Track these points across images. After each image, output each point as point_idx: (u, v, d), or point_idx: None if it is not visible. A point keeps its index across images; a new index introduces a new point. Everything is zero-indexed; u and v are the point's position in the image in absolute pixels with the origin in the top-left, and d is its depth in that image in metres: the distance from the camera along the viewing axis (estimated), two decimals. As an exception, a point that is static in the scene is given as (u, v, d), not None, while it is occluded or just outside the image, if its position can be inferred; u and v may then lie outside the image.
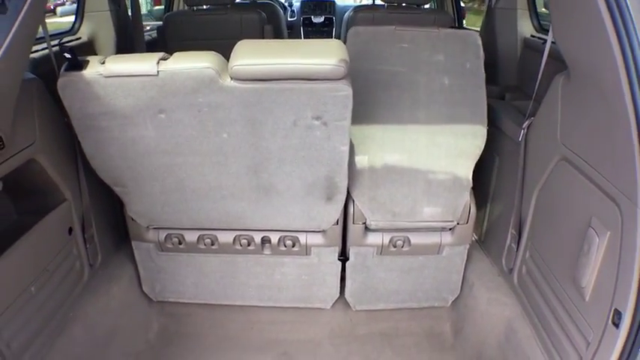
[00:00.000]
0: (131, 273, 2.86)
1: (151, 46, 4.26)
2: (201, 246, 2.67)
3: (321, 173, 2.26)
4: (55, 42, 3.09)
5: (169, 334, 2.86)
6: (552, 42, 2.20)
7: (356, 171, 2.54)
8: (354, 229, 2.66)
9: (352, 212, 2.59)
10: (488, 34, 3.43)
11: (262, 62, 1.88)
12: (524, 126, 2.46)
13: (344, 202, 2.46)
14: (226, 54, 1.97)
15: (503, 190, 2.82)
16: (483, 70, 2.60)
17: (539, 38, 3.16)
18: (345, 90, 1.94)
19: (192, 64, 1.90)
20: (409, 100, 2.60)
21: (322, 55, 1.89)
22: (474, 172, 2.60)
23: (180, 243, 2.68)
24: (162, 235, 2.66)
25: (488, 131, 2.59)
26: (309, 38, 6.06)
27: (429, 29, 2.66)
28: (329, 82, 1.93)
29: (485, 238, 3.07)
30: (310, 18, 6.44)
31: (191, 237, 2.66)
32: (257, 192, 2.35)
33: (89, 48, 3.47)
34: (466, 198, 2.57)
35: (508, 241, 2.65)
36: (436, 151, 2.56)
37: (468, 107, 2.59)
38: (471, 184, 2.56)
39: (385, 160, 2.56)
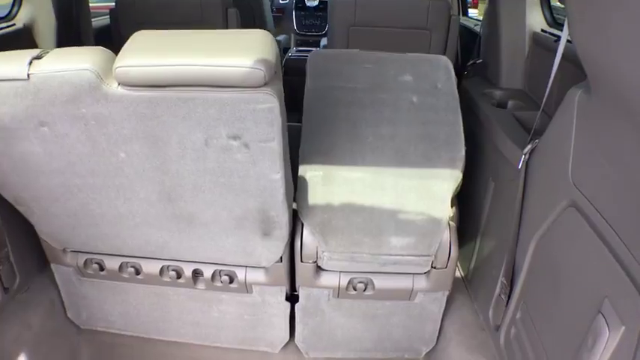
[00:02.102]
0: (55, 297, 2.40)
1: (103, 34, 3.68)
2: (125, 275, 2.20)
3: (251, 205, 1.77)
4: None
5: None
6: (568, 40, 1.66)
7: (307, 189, 2.07)
8: (303, 269, 2.12)
9: (299, 249, 2.06)
10: (490, 25, 2.77)
11: (155, 63, 1.41)
12: (525, 151, 1.87)
13: (287, 238, 1.94)
14: None
15: (498, 223, 2.24)
16: (457, 92, 2.23)
17: (551, 34, 2.49)
18: (268, 102, 1.45)
19: (68, 64, 1.45)
20: (372, 118, 2.20)
21: (235, 54, 1.40)
22: (464, 195, 2.18)
23: (101, 269, 2.20)
24: (81, 259, 2.20)
25: (483, 149, 2.30)
26: (303, 24, 5.52)
27: (396, 54, 2.38)
28: (246, 91, 1.44)
29: (472, 277, 2.46)
30: (304, 1, 5.80)
31: (112, 264, 2.18)
32: (176, 222, 1.88)
33: (26, 37, 2.88)
34: (444, 234, 2.03)
35: (497, 291, 2.09)
36: (405, 173, 2.10)
37: (441, 128, 2.15)
38: (449, 214, 2.03)
39: (344, 178, 2.09)
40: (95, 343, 2.48)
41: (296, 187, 2.03)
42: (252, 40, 1.48)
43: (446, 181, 2.06)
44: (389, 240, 2.01)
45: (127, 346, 2.47)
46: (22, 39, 2.76)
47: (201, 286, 2.20)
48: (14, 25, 2.86)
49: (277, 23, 5.49)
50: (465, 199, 2.31)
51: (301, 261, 2.08)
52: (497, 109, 2.41)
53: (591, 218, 1.44)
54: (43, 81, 1.45)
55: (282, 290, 2.19)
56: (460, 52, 3.46)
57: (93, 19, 3.43)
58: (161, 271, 2.15)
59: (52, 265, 2.29)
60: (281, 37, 5.00)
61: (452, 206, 2.08)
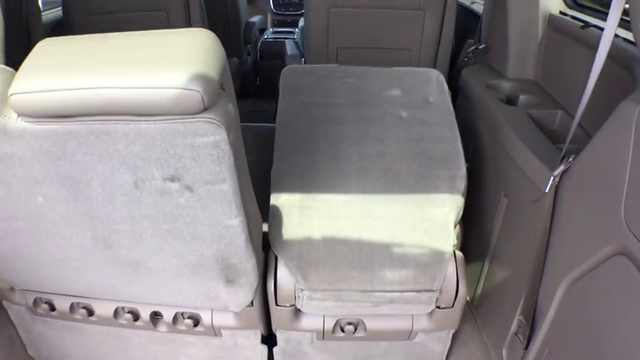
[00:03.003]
0: (14, 334, 2.12)
1: (57, 28, 3.14)
2: (77, 316, 1.86)
3: (206, 253, 1.39)
4: None
5: None
6: (617, 35, 1.34)
7: (281, 217, 1.72)
8: (279, 313, 1.74)
9: (273, 290, 1.69)
10: (496, 5, 2.35)
11: (56, 86, 1.03)
12: (556, 173, 1.47)
13: (257, 282, 1.56)
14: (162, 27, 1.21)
15: (514, 248, 1.86)
16: (452, 106, 1.96)
17: (574, 18, 2.08)
18: (211, 133, 1.07)
19: None
20: (355, 135, 1.90)
21: (160, 69, 1.02)
22: (469, 209, 1.84)
23: (52, 309, 1.88)
24: (30, 298, 1.88)
25: (493, 156, 1.99)
26: (280, 3, 4.98)
27: (381, 68, 2.13)
28: (178, 119, 1.05)
29: (480, 304, 2.09)
30: None
31: (62, 304, 1.85)
32: (121, 268, 1.51)
33: None
34: (449, 266, 1.67)
35: (513, 329, 1.74)
36: (397, 196, 1.77)
37: (436, 144, 1.86)
38: (453, 241, 1.68)
39: (325, 202, 1.74)
40: None
41: (267, 214, 1.68)
42: (187, 47, 1.07)
43: (446, 203, 1.71)
44: (382, 273, 1.63)
45: None
46: None
47: (162, 328, 1.85)
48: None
49: (252, 2, 5.02)
50: (470, 214, 1.94)
51: (276, 304, 1.71)
52: (508, 108, 1.99)
53: None
54: None
55: (257, 333, 1.83)
56: (456, 35, 3.04)
57: (52, 10, 3.03)
58: (115, 313, 1.81)
59: (4, 303, 1.99)
60: (256, 19, 4.56)
61: (456, 225, 1.71)
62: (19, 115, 1.10)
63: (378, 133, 1.90)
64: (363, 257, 1.63)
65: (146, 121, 1.05)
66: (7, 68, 1.15)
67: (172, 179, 1.15)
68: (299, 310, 1.71)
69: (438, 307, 1.69)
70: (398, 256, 1.64)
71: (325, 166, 1.81)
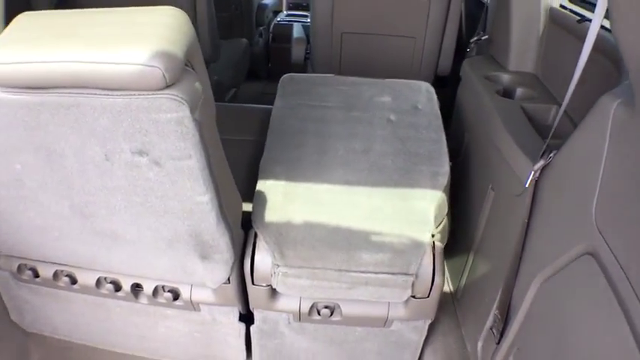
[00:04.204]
0: None
1: (62, 2, 3.19)
2: (60, 284, 1.89)
3: (179, 228, 1.41)
4: None
5: None
6: (603, 27, 1.33)
7: (265, 201, 1.75)
8: (256, 292, 1.76)
9: (249, 269, 1.71)
10: (499, -3, 2.31)
11: (28, 59, 1.08)
12: (536, 167, 1.44)
13: (232, 260, 1.57)
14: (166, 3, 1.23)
15: (495, 243, 1.84)
16: (439, 113, 2.02)
17: (572, 12, 2.03)
18: (174, 110, 1.09)
19: None
20: (344, 133, 1.98)
21: (124, 45, 1.05)
22: (459, 201, 1.99)
23: (36, 276, 1.92)
24: (15, 264, 1.92)
25: (483, 149, 1.97)
26: None
27: (373, 79, 2.19)
28: (142, 95, 1.08)
29: (462, 297, 2.07)
30: None
31: (46, 271, 1.88)
32: (99, 238, 1.54)
33: None
34: (426, 255, 1.66)
35: (489, 323, 1.72)
36: (380, 187, 1.79)
37: (422, 144, 1.90)
38: (432, 230, 1.68)
39: (308, 190, 1.78)
40: (44, 347, 2.24)
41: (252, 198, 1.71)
42: (153, 25, 1.08)
43: (427, 197, 1.72)
44: (359, 255, 1.65)
45: (74, 351, 2.22)
46: None
47: (143, 300, 1.88)
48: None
49: None
50: (460, 206, 1.96)
51: (253, 283, 1.73)
52: (502, 99, 1.97)
53: (612, 277, 1.07)
54: None
55: (235, 311, 1.84)
56: (464, 25, 3.00)
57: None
58: (98, 283, 1.84)
59: None
60: (269, 1, 4.54)
61: (443, 219, 1.72)
62: None
63: (365, 132, 1.96)
64: (341, 238, 1.65)
65: (112, 95, 1.07)
66: None
67: (141, 153, 1.17)
68: (275, 290, 1.73)
69: (414, 297, 1.69)
70: (376, 241, 1.65)
71: (312, 158, 1.86)
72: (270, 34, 4.50)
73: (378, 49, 2.73)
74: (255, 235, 1.70)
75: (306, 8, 4.64)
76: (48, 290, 1.98)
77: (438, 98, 2.07)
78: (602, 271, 1.11)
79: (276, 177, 1.80)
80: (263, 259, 1.69)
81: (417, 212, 1.69)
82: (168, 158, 1.17)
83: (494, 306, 1.68)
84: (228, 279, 1.68)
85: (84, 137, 1.17)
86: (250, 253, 1.69)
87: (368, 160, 1.85)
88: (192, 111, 1.09)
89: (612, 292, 1.06)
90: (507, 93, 2.09)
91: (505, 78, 2.18)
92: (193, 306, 1.83)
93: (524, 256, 1.53)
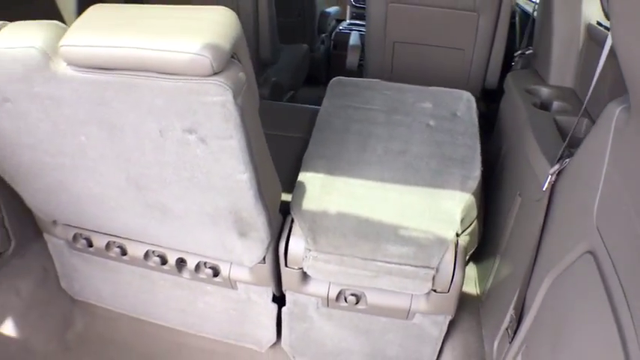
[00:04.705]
0: (49, 266, 2.31)
1: None
2: (112, 254, 2.06)
3: (221, 204, 1.56)
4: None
5: (91, 336, 2.36)
6: None
7: (304, 190, 1.89)
8: (288, 274, 1.88)
9: (284, 252, 1.83)
10: (545, 13, 2.37)
11: (97, 43, 1.25)
12: (552, 171, 1.52)
13: (268, 240, 1.71)
14: (230, 7, 1.38)
15: (518, 247, 1.91)
16: (477, 121, 2.13)
17: (607, 29, 2.05)
18: (219, 94, 1.23)
19: (17, 41, 1.32)
20: (384, 134, 2.10)
21: (179, 37, 1.21)
22: (490, 208, 2.08)
23: (90, 245, 2.08)
24: (71, 233, 2.08)
25: (516, 157, 2.02)
26: (358, 4, 5.06)
27: (417, 86, 2.32)
28: (193, 80, 1.23)
29: (486, 300, 2.13)
30: None
31: (99, 241, 2.05)
32: (150, 210, 1.70)
33: (47, 1, 2.65)
34: (449, 251, 1.74)
35: (505, 323, 1.78)
36: (413, 186, 1.90)
37: (456, 149, 2.01)
38: (457, 229, 1.77)
39: (345, 184, 1.91)
40: (89, 315, 2.38)
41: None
42: (205, 20, 1.24)
43: (456, 197, 1.81)
44: (385, 246, 1.75)
45: (117, 322, 2.36)
46: (42, 3, 2.59)
47: (186, 275, 2.03)
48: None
49: None
50: (492, 212, 2.03)
51: (286, 265, 1.85)
52: (537, 111, 2.03)
53: (606, 274, 1.13)
54: None
55: (269, 291, 1.97)
56: (519, 39, 3.06)
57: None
58: (146, 255, 2.00)
59: (45, 235, 2.20)
60: (332, 9, 4.68)
61: (472, 222, 1.81)
62: (67, 64, 1.30)
63: (404, 134, 2.08)
64: (371, 230, 1.76)
65: (168, 79, 1.22)
66: (60, 24, 1.35)
67: (190, 131, 1.31)
68: (306, 274, 1.84)
69: (435, 291, 1.77)
70: (402, 234, 1.74)
71: (351, 155, 1.98)
72: (332, 42, 4.63)
73: (428, 59, 2.82)
74: (292, 222, 1.82)
75: None
76: (99, 260, 2.14)
77: (488, 112, 2.15)
78: (598, 269, 1.16)
79: (316, 170, 1.92)
80: (297, 243, 1.80)
81: (444, 211, 1.78)
82: (213, 137, 1.31)
83: (511, 307, 1.73)
84: (264, 259, 1.81)
85: (142, 114, 1.33)
86: (286, 237, 1.81)
87: (404, 161, 1.95)
88: (234, 96, 1.22)
89: (604, 289, 1.11)
90: (544, 106, 2.15)
91: (544, 91, 2.23)
92: (231, 283, 1.96)
93: (538, 257, 1.59)
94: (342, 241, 1.76)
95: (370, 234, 1.75)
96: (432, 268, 1.73)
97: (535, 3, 3.25)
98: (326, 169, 1.93)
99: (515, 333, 1.67)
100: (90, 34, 1.25)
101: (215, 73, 1.20)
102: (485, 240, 2.05)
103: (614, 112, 1.21)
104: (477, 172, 1.89)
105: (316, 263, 1.79)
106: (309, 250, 1.78)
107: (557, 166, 1.50)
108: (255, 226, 1.61)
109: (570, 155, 1.48)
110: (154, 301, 2.20)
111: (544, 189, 1.53)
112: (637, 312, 0.99)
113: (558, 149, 1.68)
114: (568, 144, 1.57)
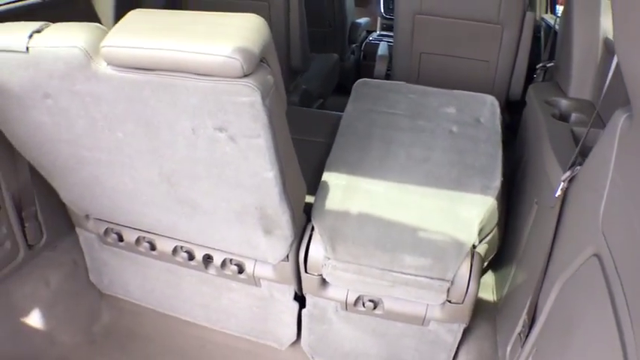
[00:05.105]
0: (79, 259, 2.40)
1: (170, 3, 3.47)
2: (141, 249, 2.14)
3: (248, 200, 1.64)
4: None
5: (117, 329, 2.43)
6: None
7: (326, 195, 1.95)
8: (308, 279, 1.95)
9: (304, 259, 1.90)
10: (566, 27, 2.41)
11: (137, 44, 1.34)
12: (564, 177, 1.56)
13: (291, 238, 1.79)
14: (263, 16, 1.45)
15: (533, 253, 1.94)
16: (500, 128, 2.16)
17: None
18: (249, 95, 1.31)
19: (60, 41, 1.40)
20: (407, 140, 2.14)
21: (212, 40, 1.29)
22: (509, 216, 2.08)
23: (120, 240, 2.17)
24: (102, 227, 2.17)
25: (534, 166, 2.02)
26: (390, 8, 4.96)
27: (442, 90, 2.36)
28: (225, 81, 1.31)
29: (502, 307, 2.17)
30: None
31: (130, 236, 2.14)
32: (181, 206, 1.79)
33: (84, 4, 2.70)
34: (465, 262, 1.79)
35: (518, 328, 1.81)
36: (433, 195, 1.93)
37: (478, 157, 2.04)
38: (474, 240, 1.81)
39: (366, 190, 1.95)
40: (116, 309, 2.45)
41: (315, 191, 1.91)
42: (236, 26, 1.32)
43: (475, 206, 1.85)
44: (402, 257, 1.79)
45: (143, 316, 2.43)
46: (79, 6, 2.68)
47: (212, 271, 2.10)
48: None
49: (363, 4, 5.21)
50: (511, 220, 2.06)
51: (306, 271, 1.92)
52: (556, 122, 2.08)
53: (610, 277, 1.17)
54: (41, 55, 1.41)
55: (291, 290, 2.04)
56: (542, 51, 3.11)
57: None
58: (174, 251, 2.08)
59: (77, 229, 2.28)
60: (362, 20, 4.74)
61: (492, 231, 1.85)
62: (107, 64, 1.38)
63: (427, 141, 2.10)
64: (389, 240, 1.80)
65: (202, 79, 1.31)
66: (101, 26, 1.44)
67: (221, 129, 1.40)
68: (325, 280, 1.90)
69: (449, 302, 1.82)
70: (420, 244, 1.79)
71: (374, 161, 2.02)
72: (362, 52, 4.70)
73: (453, 70, 2.87)
74: (312, 229, 1.88)
75: None
76: (128, 254, 2.22)
77: (512, 123, 2.19)
78: (603, 272, 1.20)
79: (338, 176, 1.98)
80: (316, 250, 1.86)
81: (462, 222, 1.82)
82: (241, 136, 1.39)
83: (524, 312, 1.75)
84: (287, 257, 1.88)
85: (177, 112, 1.41)
86: (306, 243, 1.87)
87: (425, 168, 1.99)
88: (262, 98, 1.30)
89: (608, 292, 1.15)
90: (563, 117, 2.18)
91: (563, 103, 2.26)
92: (255, 281, 2.03)
93: (550, 262, 1.62)
94: (361, 251, 1.81)
95: (388, 244, 1.80)
96: (447, 281, 1.77)
97: (558, 17, 3.31)
98: (347, 175, 1.98)
99: (527, 337, 1.70)
100: (130, 37, 1.33)
101: (245, 75, 1.28)
102: (504, 247, 2.08)
103: (620, 119, 1.26)
104: (497, 182, 1.93)
105: (335, 271, 1.85)
106: (328, 259, 1.84)
107: (568, 173, 1.54)
108: (279, 224, 1.68)
109: (581, 163, 1.52)
110: (180, 296, 2.27)
111: (556, 195, 1.58)
112: (636, 314, 1.02)
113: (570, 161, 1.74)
114: (580, 153, 1.62)
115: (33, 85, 1.50)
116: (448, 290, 1.79)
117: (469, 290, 1.79)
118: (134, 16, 1.42)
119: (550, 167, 1.80)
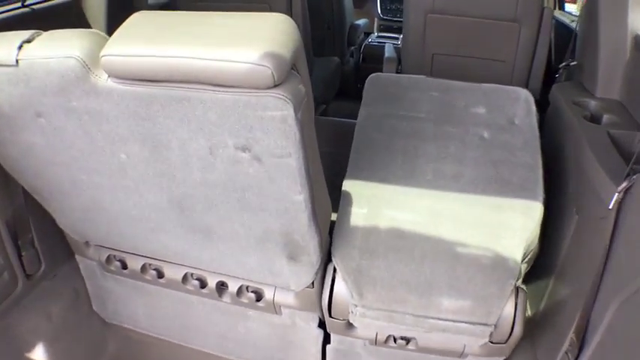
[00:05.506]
0: (80, 288, 2.25)
1: (162, 9, 3.30)
2: (147, 277, 1.98)
3: (272, 226, 1.48)
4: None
5: None
6: None
7: (346, 226, 1.75)
8: (332, 322, 1.81)
9: (327, 302, 1.74)
10: (588, 22, 2.30)
11: (143, 52, 1.16)
12: (620, 188, 1.44)
13: (318, 264, 1.62)
14: None
15: (577, 267, 1.82)
16: (537, 129, 1.95)
17: None
18: (280, 108, 1.14)
19: (54, 50, 1.24)
20: (434, 153, 1.91)
21: (236, 45, 1.12)
22: (543, 226, 1.80)
23: (124, 267, 2.01)
24: (104, 254, 2.01)
25: (569, 172, 1.89)
26: (387, 9, 4.94)
27: (469, 83, 2.12)
28: (251, 92, 1.14)
29: (540, 320, 2.04)
30: None
31: (135, 264, 1.98)
32: (193, 232, 1.62)
33: (75, 11, 2.60)
34: (508, 296, 1.64)
35: (565, 347, 1.68)
36: (469, 212, 1.74)
37: (515, 170, 1.83)
38: (518, 275, 1.65)
39: (392, 219, 1.74)
40: (121, 339, 2.33)
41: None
42: (263, 28, 1.16)
43: (517, 236, 1.68)
44: (439, 301, 1.64)
45: (152, 346, 2.30)
46: (70, 13, 2.55)
47: (226, 299, 1.94)
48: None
49: (360, 5, 5.06)
50: (544, 230, 1.91)
51: (330, 316, 1.76)
52: (590, 125, 1.95)
53: None
54: (32, 68, 1.25)
55: (315, 317, 1.88)
56: (554, 50, 3.00)
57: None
58: (184, 278, 1.92)
59: (77, 257, 2.13)
60: (361, 22, 4.62)
61: (525, 257, 1.70)
62: (108, 76, 1.21)
63: (457, 152, 1.90)
64: (422, 281, 1.64)
65: (222, 91, 1.14)
66: (101, 33, 1.28)
67: (243, 149, 1.23)
68: (351, 324, 1.76)
69: (491, 342, 1.68)
70: (457, 284, 1.64)
71: (398, 182, 1.82)
72: (361, 55, 4.56)
73: (468, 71, 2.75)
74: (334, 270, 1.72)
75: (396, 31, 4.69)
76: (134, 283, 2.07)
77: None
78: None
79: (358, 204, 1.79)
80: (341, 295, 1.71)
81: (503, 254, 1.65)
82: (269, 155, 1.23)
83: (572, 329, 1.65)
84: (312, 283, 1.72)
85: (191, 130, 1.25)
86: (329, 287, 1.72)
87: (457, 188, 1.79)
88: (295, 110, 1.14)
89: None
90: (594, 119, 2.07)
91: (592, 104, 2.15)
92: (275, 308, 1.87)
93: (605, 278, 1.51)
94: (391, 295, 1.66)
95: (421, 285, 1.64)
96: (490, 325, 1.63)
97: (571, 15, 3.21)
98: (369, 201, 1.78)
99: (577, 358, 1.60)
100: (135, 43, 1.17)
101: (275, 85, 1.12)
102: (538, 259, 1.97)
103: None
104: (539, 202, 1.75)
105: (364, 319, 1.70)
106: (356, 306, 1.68)
107: (625, 184, 1.42)
108: (306, 250, 1.53)
109: (637, 172, 1.41)
110: (192, 325, 2.12)
111: (610, 207, 1.46)
112: None
113: (617, 165, 1.62)
114: (627, 160, 1.52)
115: (24, 103, 1.34)
116: (491, 334, 1.65)
117: (514, 332, 1.65)
118: (138, 18, 1.26)
119: (596, 176, 1.67)
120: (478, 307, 1.62)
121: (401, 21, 4.79)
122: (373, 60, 4.31)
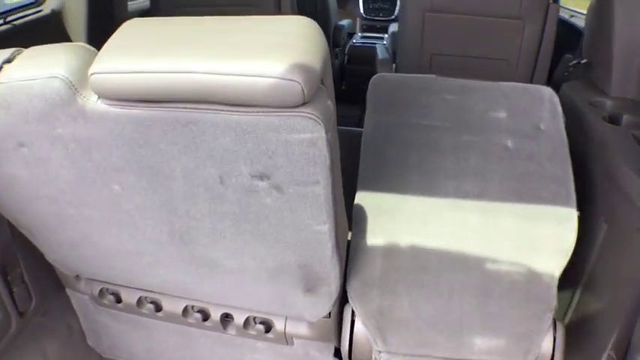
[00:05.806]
0: (74, 323, 2.12)
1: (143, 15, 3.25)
2: (144, 310, 1.83)
3: (289, 258, 1.33)
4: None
5: None
6: None
7: (362, 262, 1.60)
8: None
9: (347, 351, 1.62)
10: (600, 19, 2.23)
11: (140, 68, 0.98)
12: None
13: (337, 294, 1.47)
14: None
15: (609, 279, 1.73)
16: (565, 135, 1.78)
17: None
18: (309, 130, 0.98)
19: (36, 70, 1.09)
20: (454, 167, 1.74)
21: (258, 56, 0.95)
22: None
23: (118, 301, 1.86)
24: (96, 288, 1.86)
25: (593, 177, 1.79)
26: (370, 8, 4.85)
27: (486, 82, 1.92)
28: (275, 112, 0.97)
29: (573, 333, 1.96)
30: None
31: (130, 297, 1.83)
32: (195, 266, 1.46)
33: (55, 24, 2.55)
34: (547, 337, 1.51)
35: None
36: (497, 238, 1.59)
37: (544, 183, 1.68)
38: (555, 306, 1.51)
39: (412, 249, 1.59)
40: None
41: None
42: (286, 34, 1.00)
43: (552, 260, 1.55)
44: (471, 341, 1.52)
45: None
46: (50, 26, 2.47)
47: (231, 331, 1.80)
48: (41, 11, 2.57)
49: (342, 5, 4.96)
50: None
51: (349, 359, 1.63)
52: (612, 127, 1.87)
53: None
54: (11, 93, 1.10)
55: (330, 347, 1.75)
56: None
57: (133, 2, 3.12)
58: (185, 311, 1.78)
59: (68, 291, 2.00)
60: (345, 22, 4.53)
61: None
62: (99, 97, 1.07)
63: (479, 166, 1.74)
64: (451, 321, 1.52)
65: (239, 112, 0.99)
66: (89, 47, 1.14)
67: (261, 177, 1.09)
68: None
69: None
70: (490, 322, 1.52)
71: (416, 204, 1.67)
72: (346, 56, 4.47)
73: (469, 72, 2.65)
74: (353, 312, 1.58)
75: (380, 30, 4.63)
76: (130, 317, 1.94)
77: None
78: None
79: (373, 231, 1.64)
80: (362, 340, 1.59)
81: (538, 282, 1.53)
82: (291, 183, 1.09)
83: (609, 346, 1.58)
84: (329, 313, 1.59)
85: (199, 158, 1.10)
86: (348, 332, 1.60)
87: (481, 208, 1.65)
88: (326, 131, 0.99)
89: None
90: (613, 120, 1.99)
91: (609, 104, 2.08)
92: (287, 340, 1.75)
93: None
94: (418, 338, 1.53)
95: (451, 325, 1.51)
96: None
97: (574, 11, 3.14)
98: (385, 231, 1.62)
99: None
100: (130, 57, 1.01)
101: (304, 103, 0.96)
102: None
103: None
104: (572, 222, 1.60)
105: None
106: (380, 352, 1.55)
107: None
108: (326, 281, 1.39)
109: None
110: (194, 358, 2.00)
111: None
112: None
113: None
114: None
115: (4, 133, 1.19)
116: None
117: None
118: (131, 27, 1.10)
119: (628, 183, 1.58)
120: (514, 346, 1.50)
121: (384, 20, 4.73)
122: (359, 61, 4.23)
